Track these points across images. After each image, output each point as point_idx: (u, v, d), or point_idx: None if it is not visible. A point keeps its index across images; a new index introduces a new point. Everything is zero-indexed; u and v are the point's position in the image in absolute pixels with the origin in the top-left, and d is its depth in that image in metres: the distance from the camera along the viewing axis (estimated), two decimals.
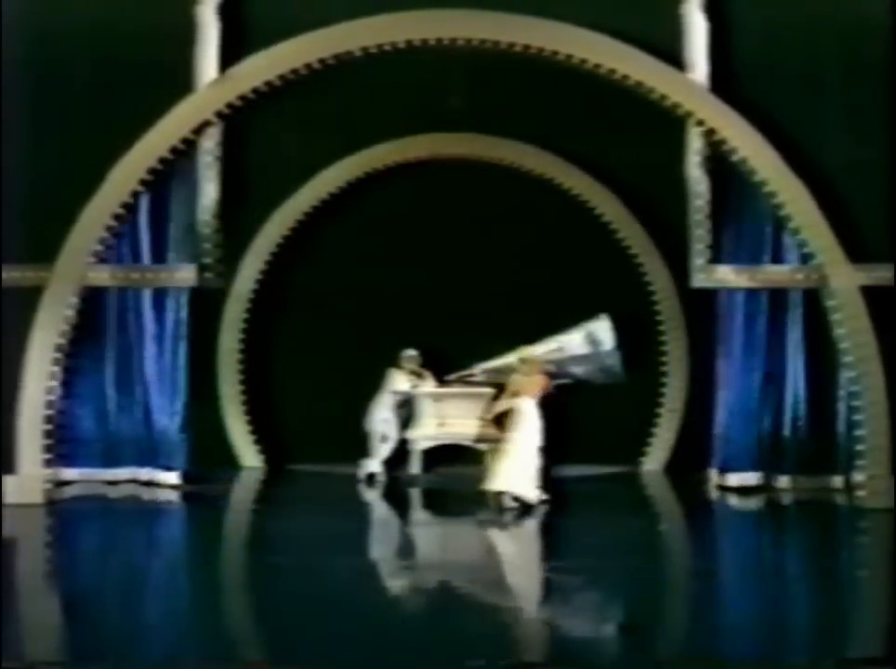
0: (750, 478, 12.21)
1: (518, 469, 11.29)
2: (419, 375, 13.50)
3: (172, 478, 12.40)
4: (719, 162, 11.80)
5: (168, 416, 12.42)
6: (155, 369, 12.43)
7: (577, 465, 13.40)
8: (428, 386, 13.49)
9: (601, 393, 13.25)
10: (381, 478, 13.19)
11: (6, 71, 11.23)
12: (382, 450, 13.36)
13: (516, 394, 11.62)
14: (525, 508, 11.24)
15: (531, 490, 11.34)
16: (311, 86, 11.79)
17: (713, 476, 12.44)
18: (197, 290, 12.19)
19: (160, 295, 12.39)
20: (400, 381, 13.45)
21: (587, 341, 13.22)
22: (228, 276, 13.05)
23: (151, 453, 12.43)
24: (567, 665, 6.64)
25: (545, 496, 11.38)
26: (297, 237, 13.96)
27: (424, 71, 12.03)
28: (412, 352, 13.44)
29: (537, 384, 11.71)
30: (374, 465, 13.25)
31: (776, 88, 11.60)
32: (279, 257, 14.01)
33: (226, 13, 11.60)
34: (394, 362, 13.47)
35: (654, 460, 13.90)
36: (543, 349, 13.23)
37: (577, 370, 13.27)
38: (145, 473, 12.37)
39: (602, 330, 13.23)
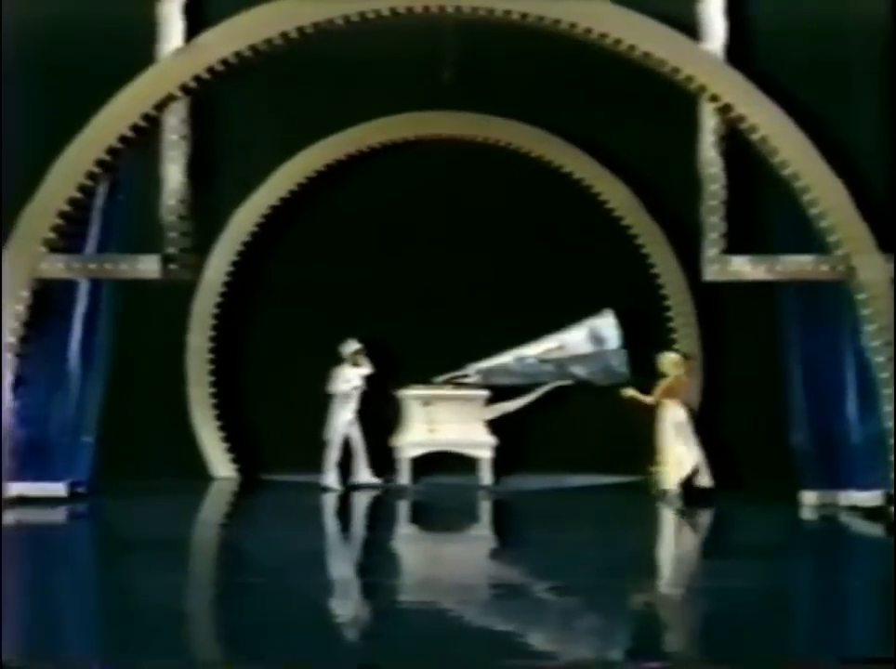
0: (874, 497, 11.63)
1: (683, 465, 12.24)
2: (358, 366, 13.38)
3: (59, 490, 12.04)
4: (736, 142, 11.66)
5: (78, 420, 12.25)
6: (72, 364, 12.20)
7: (579, 474, 13.43)
8: (365, 372, 13.36)
9: (605, 396, 13.18)
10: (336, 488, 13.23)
11: None
12: (333, 456, 13.30)
13: (668, 395, 12.42)
14: (696, 498, 12.12)
15: (703, 479, 12.31)
16: (287, 60, 11.66)
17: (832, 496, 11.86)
18: (162, 283, 12.03)
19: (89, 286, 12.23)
20: (347, 376, 13.35)
21: (590, 339, 13.32)
22: (196, 268, 12.86)
23: (46, 465, 12.07)
24: None
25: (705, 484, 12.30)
26: (272, 225, 13.84)
27: (411, 42, 11.89)
28: (355, 345, 13.30)
29: (684, 384, 12.62)
30: (331, 476, 13.26)
31: (799, 60, 11.46)
32: (252, 248, 13.89)
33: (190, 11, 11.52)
34: (341, 358, 13.45)
35: None
36: (542, 348, 13.48)
37: (579, 370, 13.41)
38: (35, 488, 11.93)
39: (607, 327, 13.28)
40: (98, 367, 12.30)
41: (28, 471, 11.75)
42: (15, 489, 11.60)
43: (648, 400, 12.48)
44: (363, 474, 13.38)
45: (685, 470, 12.27)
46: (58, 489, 11.98)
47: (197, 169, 11.98)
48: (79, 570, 9.56)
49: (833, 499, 11.70)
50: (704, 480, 12.33)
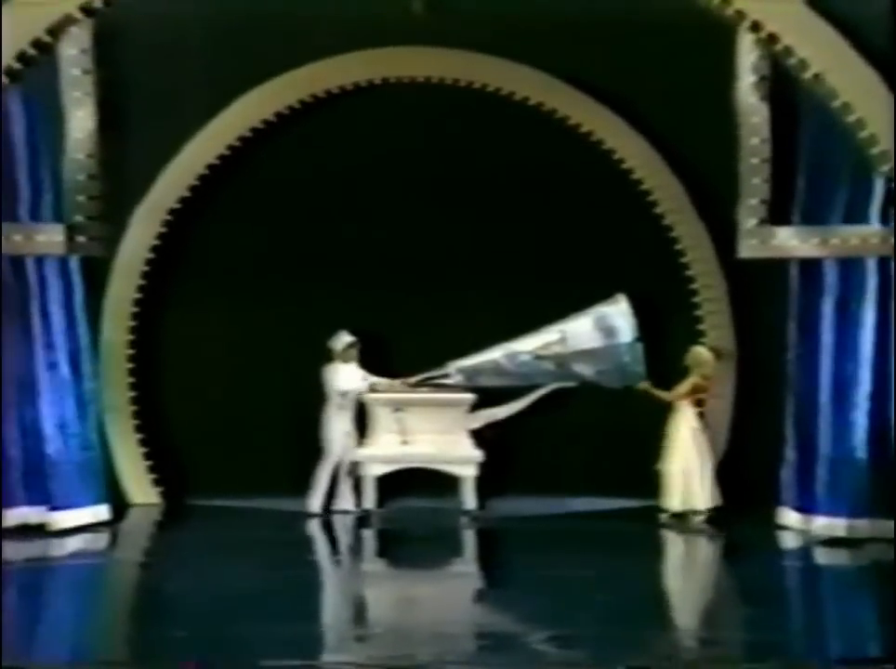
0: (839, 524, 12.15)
1: (693, 482, 12.69)
2: (351, 363, 13.48)
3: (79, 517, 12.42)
4: (784, 83, 11.68)
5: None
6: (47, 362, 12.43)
7: (582, 497, 13.40)
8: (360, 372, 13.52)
9: (615, 402, 13.19)
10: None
11: None
12: (325, 475, 13.32)
13: (689, 396, 12.79)
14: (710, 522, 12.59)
15: (711, 499, 12.70)
16: None
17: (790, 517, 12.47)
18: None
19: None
20: (347, 376, 13.35)
21: (599, 330, 13.10)
22: (110, 242, 12.77)
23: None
24: None
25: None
26: (206, 190, 13.57)
27: None
28: (347, 338, 13.36)
29: (709, 387, 12.98)
30: (346, 500, 13.35)
31: None
32: (181, 218, 13.57)
33: None
34: (330, 355, 13.45)
35: None
36: (539, 342, 13.18)
37: (585, 369, 13.17)
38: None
39: (618, 316, 13.09)
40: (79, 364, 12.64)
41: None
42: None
43: (664, 396, 12.80)
44: (346, 499, 13.38)
45: (696, 488, 12.64)
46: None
47: (109, 116, 11.88)
48: None
49: (808, 524, 12.32)
50: (713, 500, 12.68)
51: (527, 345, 13.28)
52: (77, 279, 12.47)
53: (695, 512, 12.59)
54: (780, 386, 12.96)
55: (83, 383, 12.59)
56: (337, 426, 13.23)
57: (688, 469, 12.66)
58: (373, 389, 13.34)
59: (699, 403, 12.88)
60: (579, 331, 13.13)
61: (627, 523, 12.82)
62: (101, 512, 12.48)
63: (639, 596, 10.03)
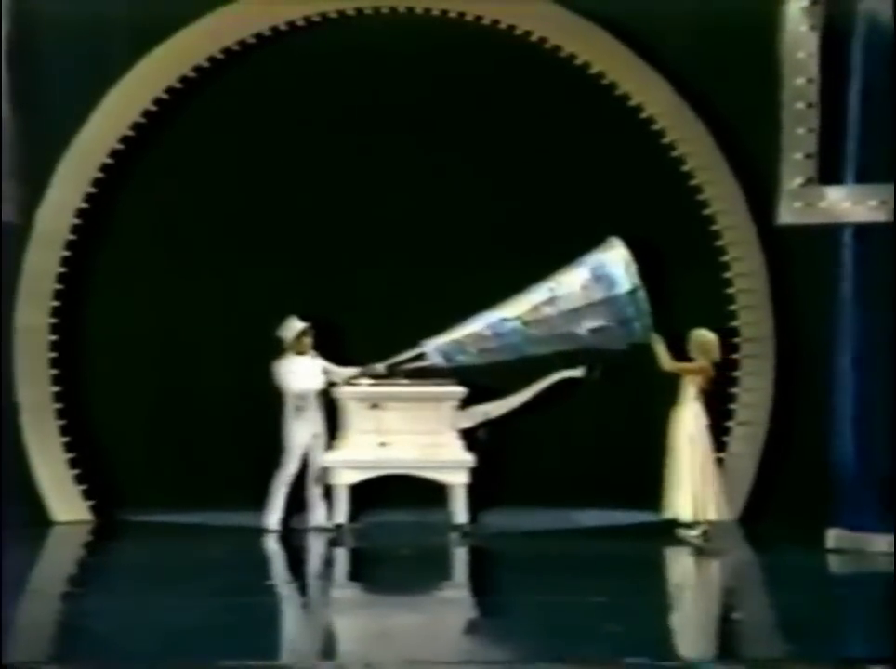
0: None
1: (686, 489, 12.57)
2: (305, 353, 13.39)
3: None
4: (839, 7, 11.76)
5: None
6: None
7: (589, 509, 13.46)
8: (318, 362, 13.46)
9: (627, 398, 13.28)
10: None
11: None
12: (283, 485, 13.25)
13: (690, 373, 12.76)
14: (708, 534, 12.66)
15: (709, 511, 12.63)
16: None
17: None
18: None
19: None
20: (304, 370, 13.21)
21: (594, 283, 13.00)
22: (25, 206, 12.89)
23: None
24: None
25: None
26: (139, 141, 13.53)
27: None
28: (299, 324, 13.20)
29: (711, 377, 12.87)
30: (320, 514, 13.30)
31: None
32: (111, 174, 13.49)
33: None
34: (282, 344, 13.36)
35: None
36: (527, 305, 13.11)
37: (583, 330, 13.07)
38: None
39: (614, 264, 12.99)
40: None
41: None
42: None
43: (667, 363, 12.72)
44: (318, 511, 13.31)
45: (708, 496, 12.64)
46: None
47: (21, 50, 12.14)
48: None
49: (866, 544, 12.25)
50: (714, 512, 12.68)
51: (512, 310, 13.15)
52: None
53: (700, 524, 12.54)
54: (829, 380, 12.72)
55: None
56: (301, 429, 13.13)
57: (696, 473, 12.60)
58: (345, 382, 13.23)
59: (710, 398, 12.71)
60: (571, 286, 12.98)
61: (642, 541, 12.79)
62: None
63: (655, 627, 9.79)
